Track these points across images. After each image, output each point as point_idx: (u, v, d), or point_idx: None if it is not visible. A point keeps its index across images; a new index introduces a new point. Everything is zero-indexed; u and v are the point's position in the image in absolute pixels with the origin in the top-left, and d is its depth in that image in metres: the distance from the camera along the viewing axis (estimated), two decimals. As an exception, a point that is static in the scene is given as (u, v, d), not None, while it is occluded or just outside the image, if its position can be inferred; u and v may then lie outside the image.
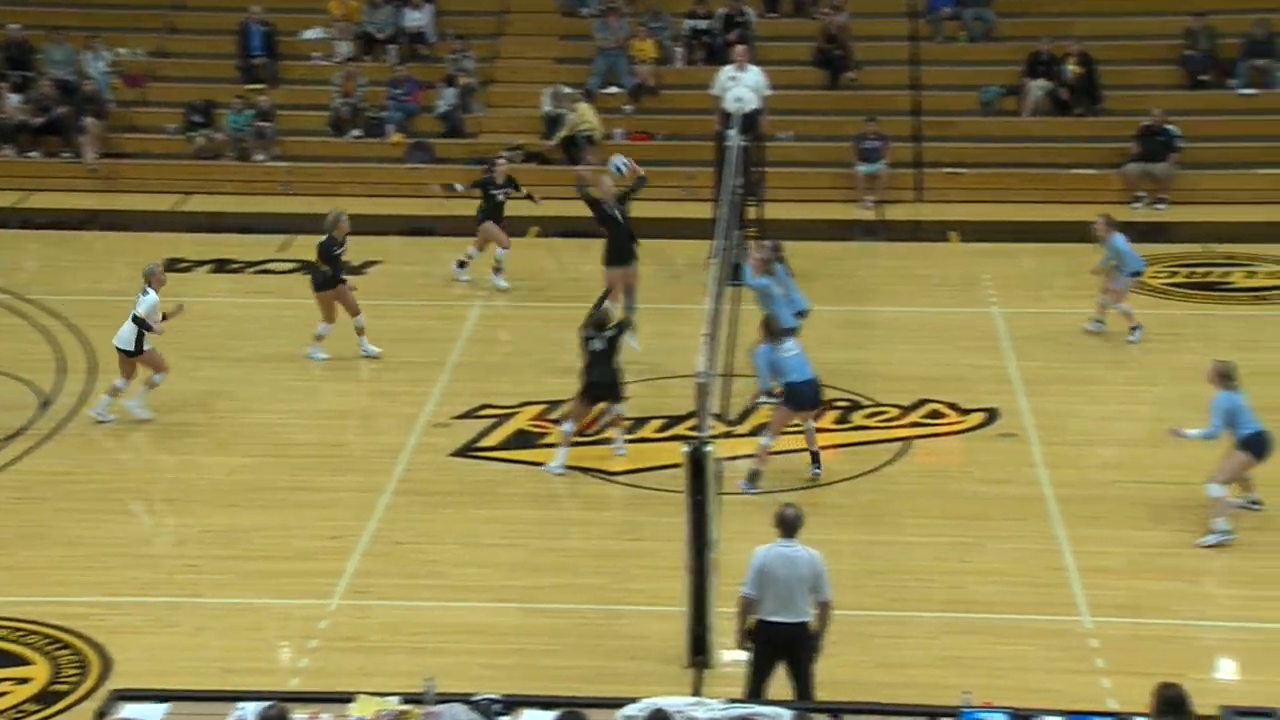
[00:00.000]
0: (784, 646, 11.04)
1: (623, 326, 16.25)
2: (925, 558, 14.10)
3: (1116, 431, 16.71)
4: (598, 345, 15.69)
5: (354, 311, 18.50)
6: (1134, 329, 18.77)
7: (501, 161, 21.53)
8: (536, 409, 17.28)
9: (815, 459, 15.54)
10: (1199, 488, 14.59)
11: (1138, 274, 19.08)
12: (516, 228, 24.16)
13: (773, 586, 10.95)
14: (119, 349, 16.76)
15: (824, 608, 11.03)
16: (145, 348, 16.71)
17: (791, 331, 15.80)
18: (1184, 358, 18.34)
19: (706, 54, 27.24)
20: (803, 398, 15.32)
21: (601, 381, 15.73)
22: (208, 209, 25.27)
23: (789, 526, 11.08)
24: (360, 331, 18.49)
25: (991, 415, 16.98)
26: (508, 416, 17.19)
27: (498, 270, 20.94)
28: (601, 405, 16.08)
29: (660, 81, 27.33)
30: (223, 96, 27.02)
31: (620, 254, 18.59)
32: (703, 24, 27.50)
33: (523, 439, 16.71)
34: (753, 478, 15.29)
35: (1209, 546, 13.98)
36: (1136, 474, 15.58)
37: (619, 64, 27.33)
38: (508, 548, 14.42)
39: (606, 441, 16.15)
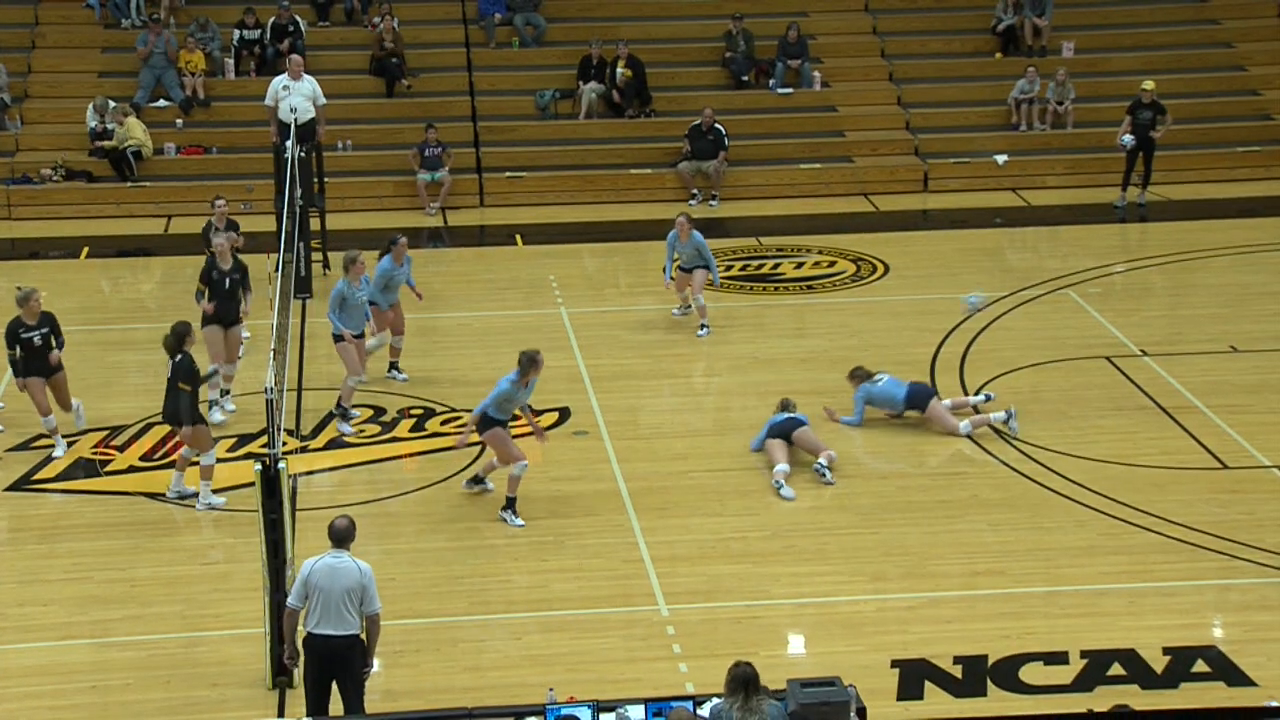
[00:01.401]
0: (333, 659, 10.92)
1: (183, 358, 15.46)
2: (505, 559, 14.23)
3: (683, 423, 17.24)
4: (169, 372, 15.12)
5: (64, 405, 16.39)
6: (704, 326, 19.42)
7: (221, 203, 19.01)
8: (97, 436, 16.62)
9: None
10: (757, 472, 15.43)
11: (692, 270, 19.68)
12: (70, 247, 23.25)
13: (320, 598, 10.84)
14: None
15: (372, 620, 10.97)
16: None
17: None
18: (742, 348, 19.13)
19: (257, 64, 26.78)
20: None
21: (166, 409, 15.18)
22: None
23: (339, 538, 11.00)
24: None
25: (564, 414, 17.27)
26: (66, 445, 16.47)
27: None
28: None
29: (211, 94, 26.68)
30: None
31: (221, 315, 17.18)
32: (252, 34, 26.97)
33: (84, 468, 16.02)
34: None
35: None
36: (703, 463, 16.12)
37: (167, 76, 26.52)
38: (73, 582, 13.80)
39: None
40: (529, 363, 14.75)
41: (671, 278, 19.59)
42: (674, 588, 13.65)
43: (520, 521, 14.76)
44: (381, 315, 17.78)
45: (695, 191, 25.62)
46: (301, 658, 11.12)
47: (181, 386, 14.92)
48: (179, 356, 14.99)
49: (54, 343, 16.08)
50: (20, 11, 27.88)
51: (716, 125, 25.62)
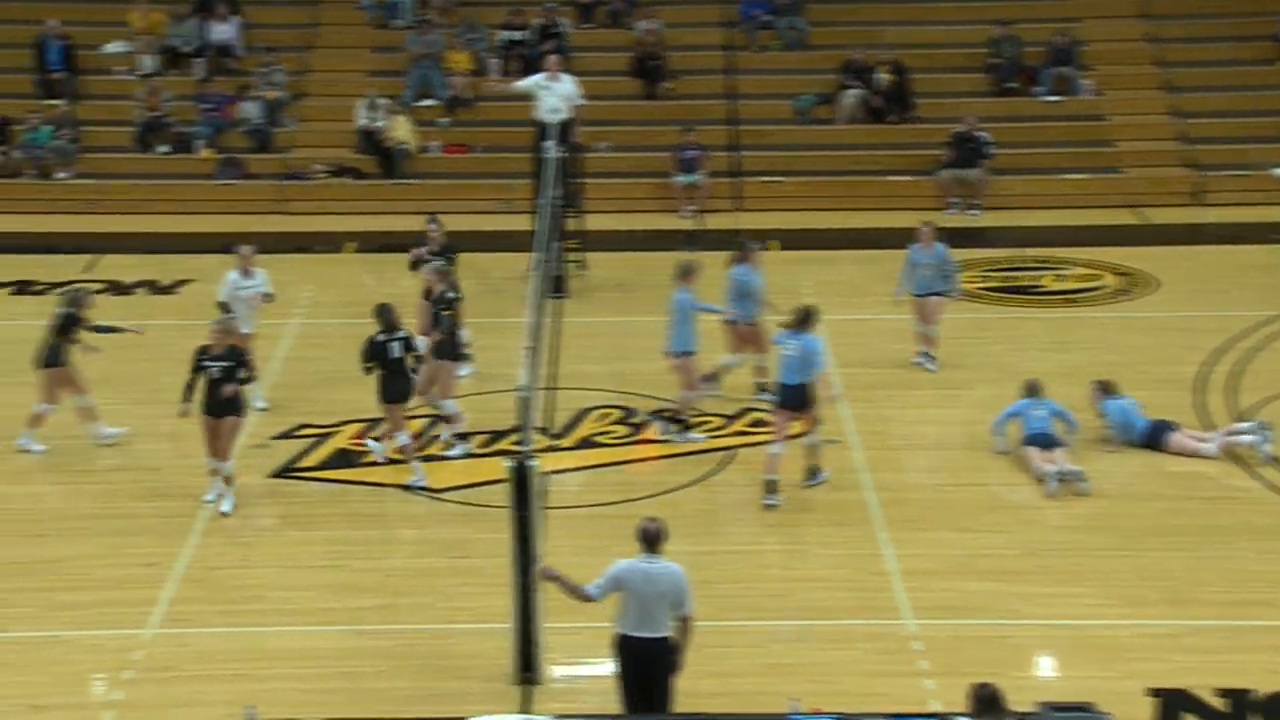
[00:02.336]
0: (647, 661, 10.89)
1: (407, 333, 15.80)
2: (750, 565, 14.12)
3: (934, 435, 16.91)
4: (395, 350, 15.45)
5: (82, 391, 16.39)
6: (930, 356, 18.53)
7: (434, 226, 18.67)
8: (356, 427, 17.01)
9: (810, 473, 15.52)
10: (1010, 488, 15.17)
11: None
12: (333, 241, 23.93)
13: (632, 601, 10.81)
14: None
15: (684, 622, 10.91)
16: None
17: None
18: (1000, 360, 18.70)
19: (522, 65, 27.14)
20: (783, 399, 15.29)
21: (402, 387, 15.51)
22: (8, 229, 24.51)
23: (650, 541, 10.94)
24: (90, 417, 16.56)
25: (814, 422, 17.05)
26: (327, 436, 16.89)
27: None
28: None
29: (476, 93, 27.15)
30: (19, 113, 26.26)
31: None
32: (518, 35, 27.39)
33: (343, 458, 16.41)
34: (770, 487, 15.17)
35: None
36: (953, 476, 15.80)
37: (433, 76, 27.09)
38: (329, 569, 14.12)
39: (431, 458, 15.87)
40: (814, 316, 15.24)
41: (905, 295, 18.50)
42: (921, 602, 13.37)
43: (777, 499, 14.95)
44: (746, 330, 17.40)
45: (955, 200, 25.16)
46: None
47: (410, 366, 15.41)
48: (407, 333, 15.34)
49: (237, 379, 14.92)
50: (300, 13, 28.80)
51: (978, 133, 25.11)
